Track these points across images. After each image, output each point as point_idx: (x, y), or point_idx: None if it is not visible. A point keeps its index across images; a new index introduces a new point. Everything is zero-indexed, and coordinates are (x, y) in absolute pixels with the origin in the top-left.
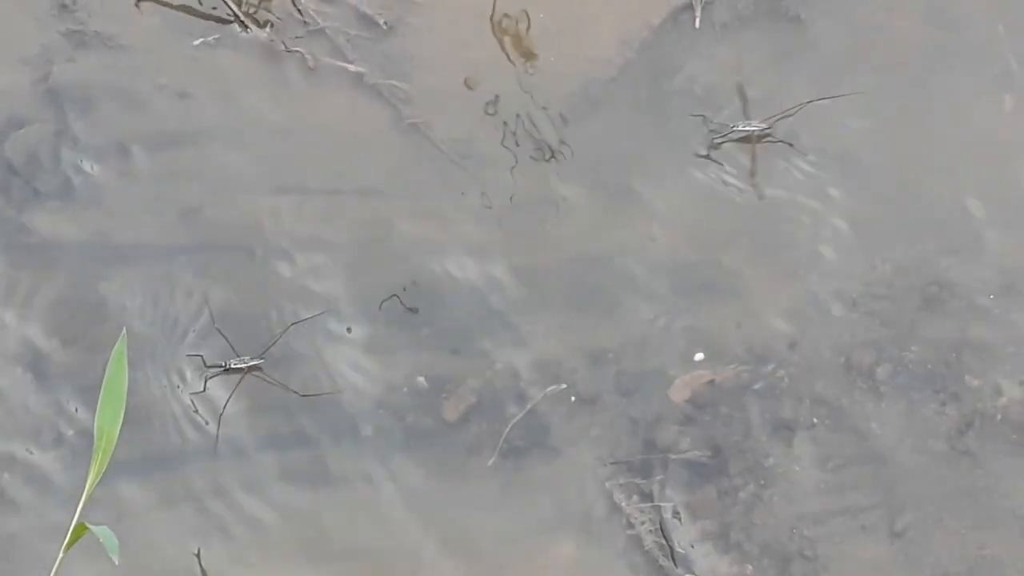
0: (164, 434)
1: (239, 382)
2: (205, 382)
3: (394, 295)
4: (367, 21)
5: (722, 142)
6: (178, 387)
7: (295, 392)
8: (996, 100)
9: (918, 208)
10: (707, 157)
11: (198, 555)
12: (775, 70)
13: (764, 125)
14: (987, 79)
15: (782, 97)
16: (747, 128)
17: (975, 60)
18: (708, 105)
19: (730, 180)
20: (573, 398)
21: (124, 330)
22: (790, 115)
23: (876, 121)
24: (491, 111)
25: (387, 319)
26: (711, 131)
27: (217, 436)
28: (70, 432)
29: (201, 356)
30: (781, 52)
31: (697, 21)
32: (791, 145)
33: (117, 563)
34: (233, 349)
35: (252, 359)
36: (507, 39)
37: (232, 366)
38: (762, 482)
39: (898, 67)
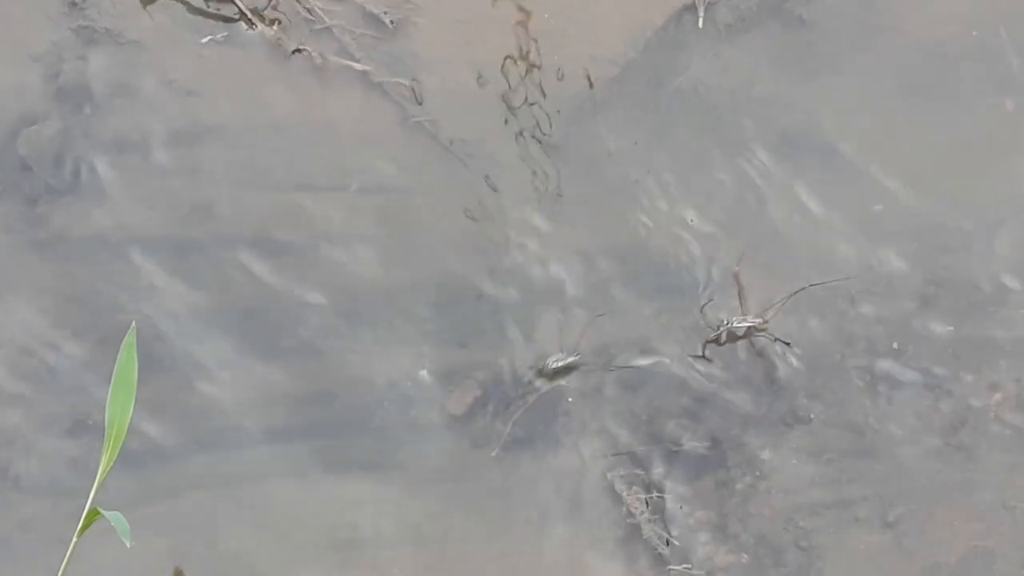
0: None
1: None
2: None
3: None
4: (373, 20)
5: (716, 338)
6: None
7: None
8: (998, 101)
9: (916, 207)
10: (703, 357)
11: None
12: (778, 73)
13: (760, 320)
14: (989, 80)
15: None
16: (742, 324)
17: (977, 61)
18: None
19: None
20: (574, 393)
21: (133, 323)
22: (785, 301)
23: (877, 120)
24: (496, 110)
25: (392, 313)
26: (707, 326)
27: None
28: (89, 422)
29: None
30: (784, 53)
31: (700, 21)
32: (788, 344)
33: (129, 546)
34: None
35: None
36: (512, 38)
37: None
38: (759, 474)
39: (900, 68)
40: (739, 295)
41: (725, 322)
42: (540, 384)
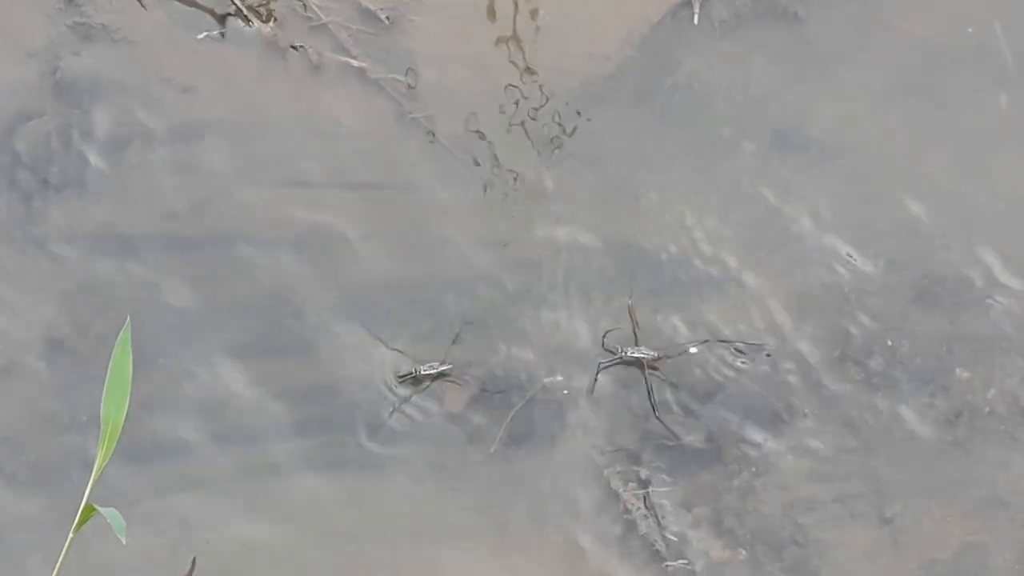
0: None
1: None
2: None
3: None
4: (370, 16)
5: (608, 366)
6: None
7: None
8: (993, 98)
9: (912, 203)
10: (595, 380)
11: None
12: (773, 69)
13: (655, 354)
14: (984, 77)
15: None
16: (637, 355)
17: (972, 58)
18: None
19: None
20: (571, 388)
21: (128, 319)
22: (687, 349)
23: (871, 117)
24: (493, 106)
25: (388, 310)
26: (605, 349)
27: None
28: (84, 418)
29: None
30: (779, 50)
31: (696, 18)
32: (675, 385)
33: (124, 543)
34: None
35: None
36: (508, 35)
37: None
38: (755, 470)
39: (895, 65)
40: (633, 328)
41: (621, 350)
42: (404, 392)
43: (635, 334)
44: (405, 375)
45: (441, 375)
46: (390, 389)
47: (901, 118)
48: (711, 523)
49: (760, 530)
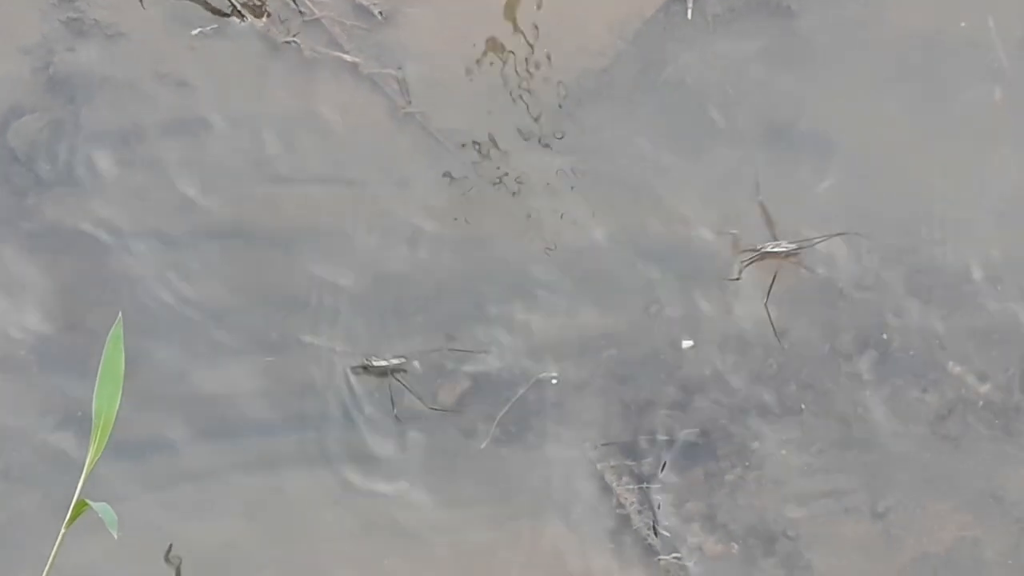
0: None
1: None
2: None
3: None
4: (363, 11)
5: (749, 263)
6: None
7: (422, 401)
8: (986, 91)
9: (905, 197)
10: (737, 279)
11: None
12: (767, 63)
13: (793, 246)
14: (977, 71)
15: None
16: (776, 249)
17: (965, 52)
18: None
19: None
20: (564, 383)
21: (120, 314)
22: (818, 242)
23: (865, 111)
24: (486, 101)
25: (382, 306)
26: (741, 251)
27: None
28: (78, 413)
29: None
30: (773, 44)
31: (689, 12)
32: (816, 272)
33: (116, 537)
34: None
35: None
36: (501, 29)
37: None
38: (748, 465)
39: (889, 59)
40: (767, 222)
41: (759, 247)
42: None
43: (770, 229)
44: (357, 367)
45: (396, 369)
46: (348, 385)
47: (894, 112)
48: (704, 518)
49: (753, 524)
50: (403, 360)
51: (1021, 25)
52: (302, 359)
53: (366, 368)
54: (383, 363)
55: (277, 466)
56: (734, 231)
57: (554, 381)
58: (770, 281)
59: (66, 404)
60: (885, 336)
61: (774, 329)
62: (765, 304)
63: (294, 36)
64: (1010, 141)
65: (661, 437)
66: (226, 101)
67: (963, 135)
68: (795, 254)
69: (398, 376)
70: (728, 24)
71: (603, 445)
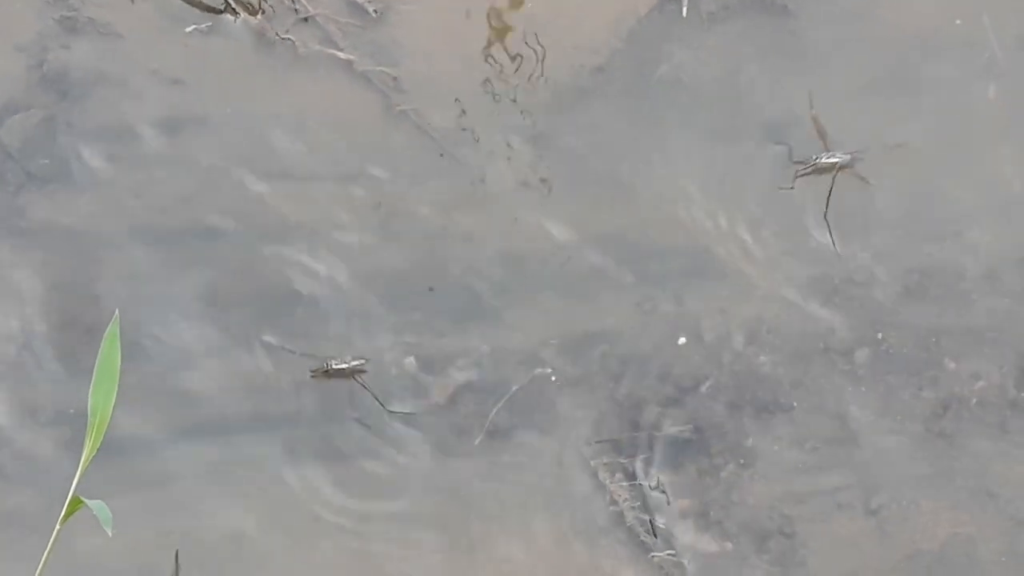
0: None
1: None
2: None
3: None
4: (357, 9)
5: (804, 173)
6: None
7: (382, 405)
8: (981, 89)
9: (899, 194)
10: (791, 188)
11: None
12: (762, 62)
13: (848, 156)
14: (972, 68)
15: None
16: (830, 160)
17: (960, 49)
18: (783, 134)
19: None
20: (557, 380)
21: (116, 312)
22: (872, 153)
23: (860, 108)
24: (480, 99)
25: (377, 302)
26: (795, 162)
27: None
28: (72, 411)
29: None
30: (768, 42)
31: (684, 10)
32: (870, 183)
33: (111, 535)
34: None
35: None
36: (496, 26)
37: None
38: (742, 462)
39: (884, 56)
40: (820, 135)
41: (814, 157)
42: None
43: (823, 141)
44: (316, 370)
45: (356, 370)
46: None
47: (889, 110)
48: (698, 515)
49: (747, 521)
50: (363, 362)
51: (1016, 23)
52: (298, 355)
53: (327, 372)
54: (343, 365)
55: (265, 464)
56: (788, 143)
57: (553, 379)
58: (827, 192)
59: (60, 401)
60: (879, 334)
61: (832, 241)
62: (824, 215)
63: (288, 33)
64: (1005, 138)
65: (655, 434)
66: (220, 98)
67: (958, 132)
68: (850, 165)
69: (358, 378)
70: (723, 22)
71: (596, 442)
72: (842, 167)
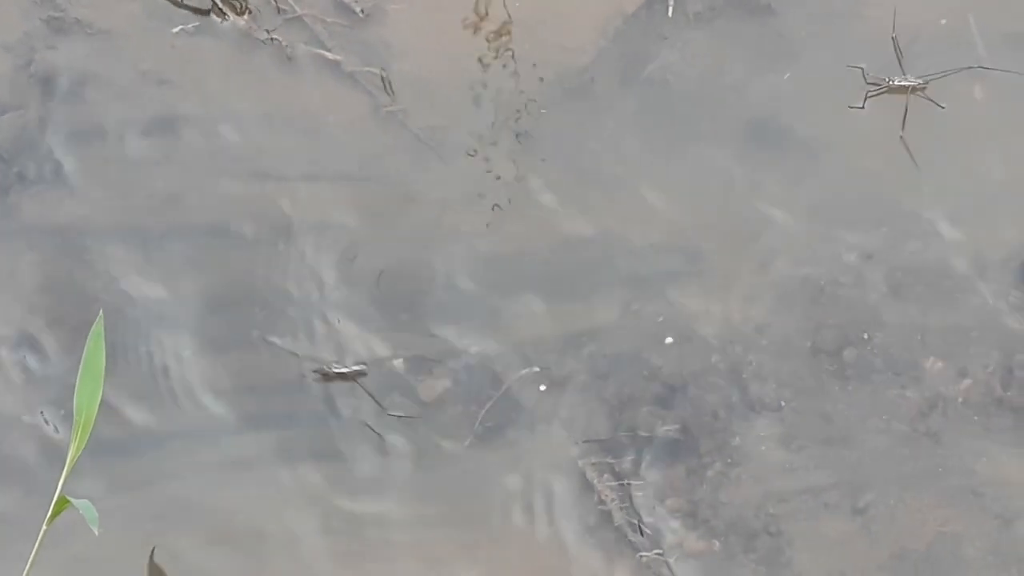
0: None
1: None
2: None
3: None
4: (344, 9)
5: (876, 94)
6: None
7: (381, 407)
8: (967, 89)
9: (885, 194)
10: (861, 108)
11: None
12: (747, 61)
13: (920, 80)
14: (958, 67)
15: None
16: (904, 83)
17: (945, 48)
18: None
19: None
20: (545, 381)
21: (101, 312)
22: (949, 74)
23: (844, 108)
24: (468, 99)
25: (366, 303)
26: (869, 83)
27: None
28: (60, 411)
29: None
30: (753, 41)
31: (670, 10)
32: (942, 107)
33: (97, 534)
34: None
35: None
36: (483, 27)
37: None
38: (729, 461)
39: (869, 56)
40: (897, 59)
41: (887, 79)
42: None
43: (899, 63)
44: (316, 371)
45: (357, 374)
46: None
47: (875, 110)
48: (685, 514)
49: (734, 521)
50: (364, 366)
51: (1001, 22)
52: (286, 355)
53: (326, 375)
54: (344, 369)
55: (257, 465)
56: (861, 65)
57: (541, 379)
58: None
59: (46, 400)
60: (865, 334)
61: (913, 159)
62: (901, 136)
63: (275, 34)
64: (991, 138)
65: (642, 433)
66: (207, 99)
67: (944, 132)
68: (922, 88)
69: (360, 381)
70: (709, 22)
71: (584, 442)
72: (915, 90)
